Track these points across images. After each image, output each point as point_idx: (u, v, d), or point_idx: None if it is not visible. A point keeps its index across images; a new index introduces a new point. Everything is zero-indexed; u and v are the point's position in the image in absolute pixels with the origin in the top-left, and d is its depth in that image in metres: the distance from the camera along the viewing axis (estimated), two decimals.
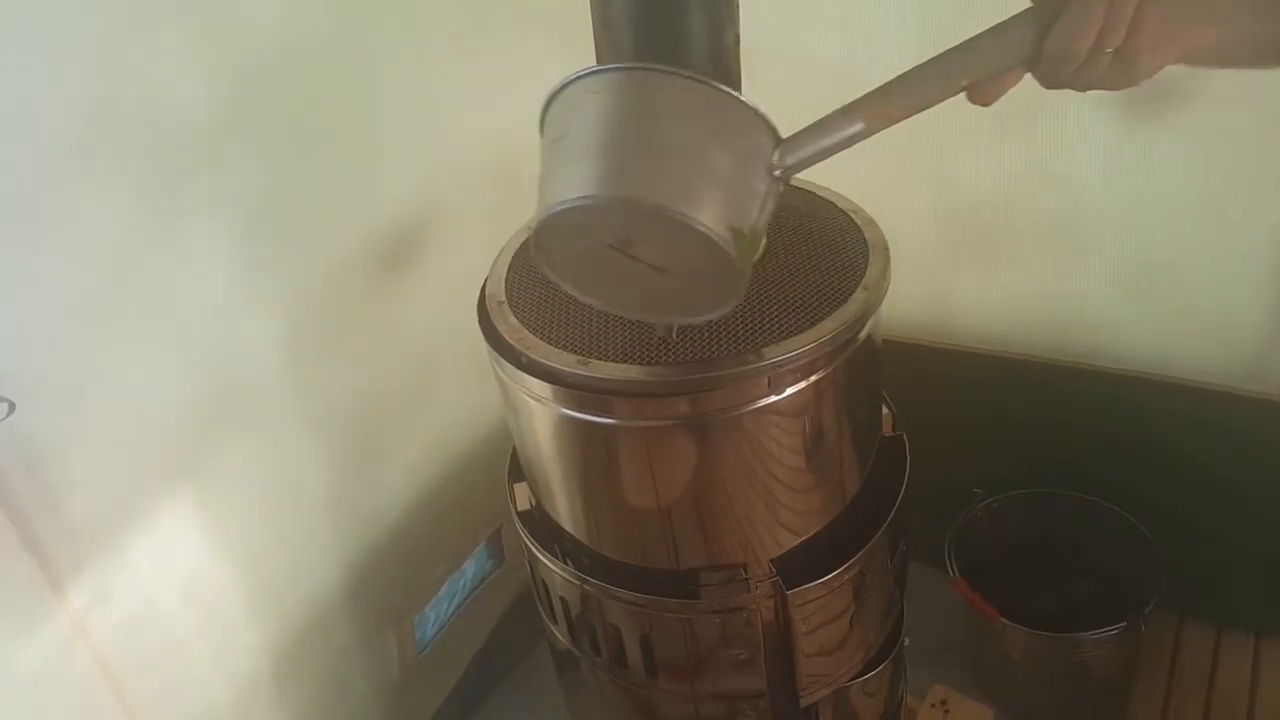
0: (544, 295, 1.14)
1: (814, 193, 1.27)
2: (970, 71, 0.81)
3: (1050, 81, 0.82)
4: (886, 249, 1.15)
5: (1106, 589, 1.91)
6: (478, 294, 1.18)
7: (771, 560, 1.17)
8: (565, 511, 1.20)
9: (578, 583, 1.20)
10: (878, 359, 1.20)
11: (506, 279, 1.18)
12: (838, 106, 0.85)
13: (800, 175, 1.28)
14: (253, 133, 1.31)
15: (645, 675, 1.24)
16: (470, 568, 1.96)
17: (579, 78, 0.85)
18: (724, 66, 1.02)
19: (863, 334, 1.09)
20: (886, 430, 1.35)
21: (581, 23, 1.02)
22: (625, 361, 1.02)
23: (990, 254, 1.81)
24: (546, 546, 1.25)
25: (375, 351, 1.60)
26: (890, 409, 1.36)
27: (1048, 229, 1.74)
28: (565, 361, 1.03)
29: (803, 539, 1.19)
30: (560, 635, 1.33)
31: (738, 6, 1.00)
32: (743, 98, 0.83)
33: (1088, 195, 1.68)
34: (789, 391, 1.04)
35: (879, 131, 0.84)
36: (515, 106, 1.74)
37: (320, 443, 1.54)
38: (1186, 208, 1.63)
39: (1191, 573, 1.85)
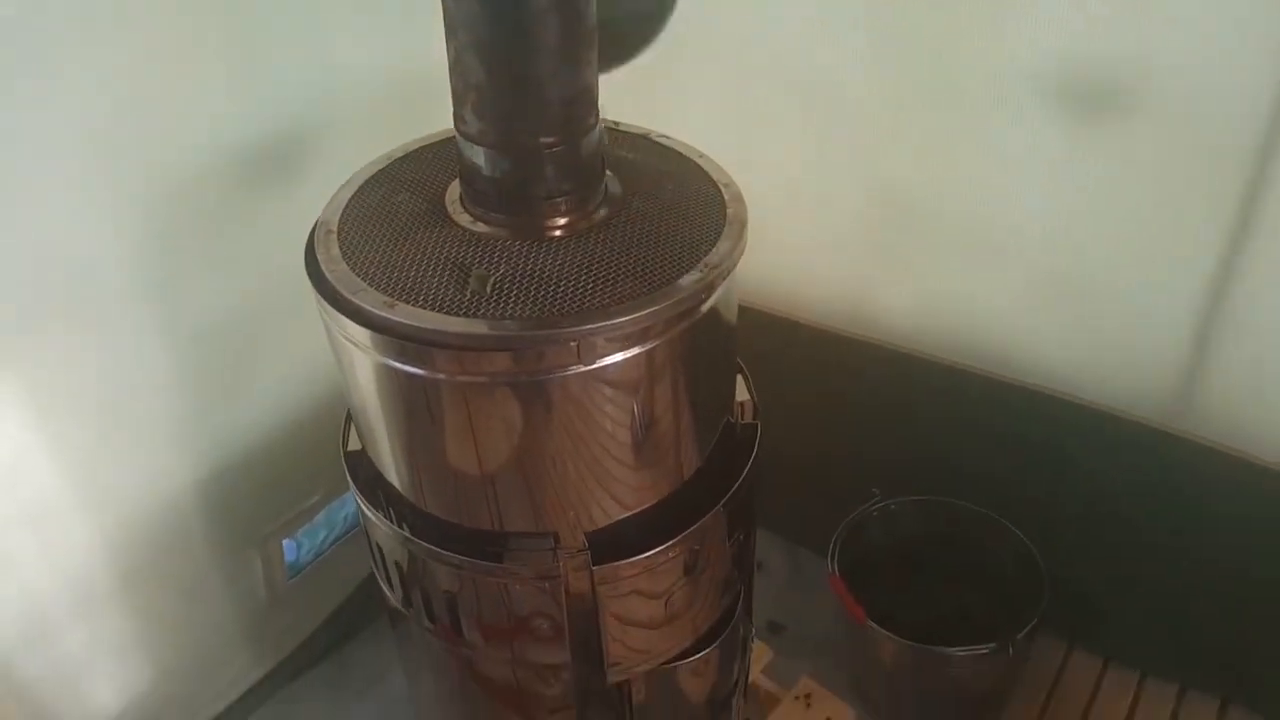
0: (378, 231, 1.09)
1: (692, 160, 1.20)
2: None
3: None
4: (744, 227, 1.09)
5: (994, 605, 1.86)
6: None
7: (591, 532, 1.13)
8: (376, 454, 1.17)
9: (388, 528, 1.17)
10: (724, 339, 1.15)
11: (345, 207, 1.13)
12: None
13: (698, 136, 1.23)
14: (119, 13, 1.25)
15: (453, 632, 1.21)
16: (352, 500, 1.93)
17: None
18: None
19: (702, 310, 1.04)
20: (747, 417, 1.30)
21: None
22: (433, 309, 0.97)
23: (913, 248, 1.75)
24: (369, 490, 1.21)
25: (247, 260, 1.55)
26: (752, 394, 1.31)
27: (973, 229, 1.67)
28: (371, 300, 0.98)
29: (627, 514, 1.15)
30: (380, 581, 1.30)
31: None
32: None
33: (1018, 201, 1.61)
34: (602, 363, 0.99)
35: None
36: (414, 36, 1.67)
37: (172, 347, 1.50)
38: (1116, 231, 1.55)
39: (1082, 600, 1.81)
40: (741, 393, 1.31)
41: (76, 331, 1.38)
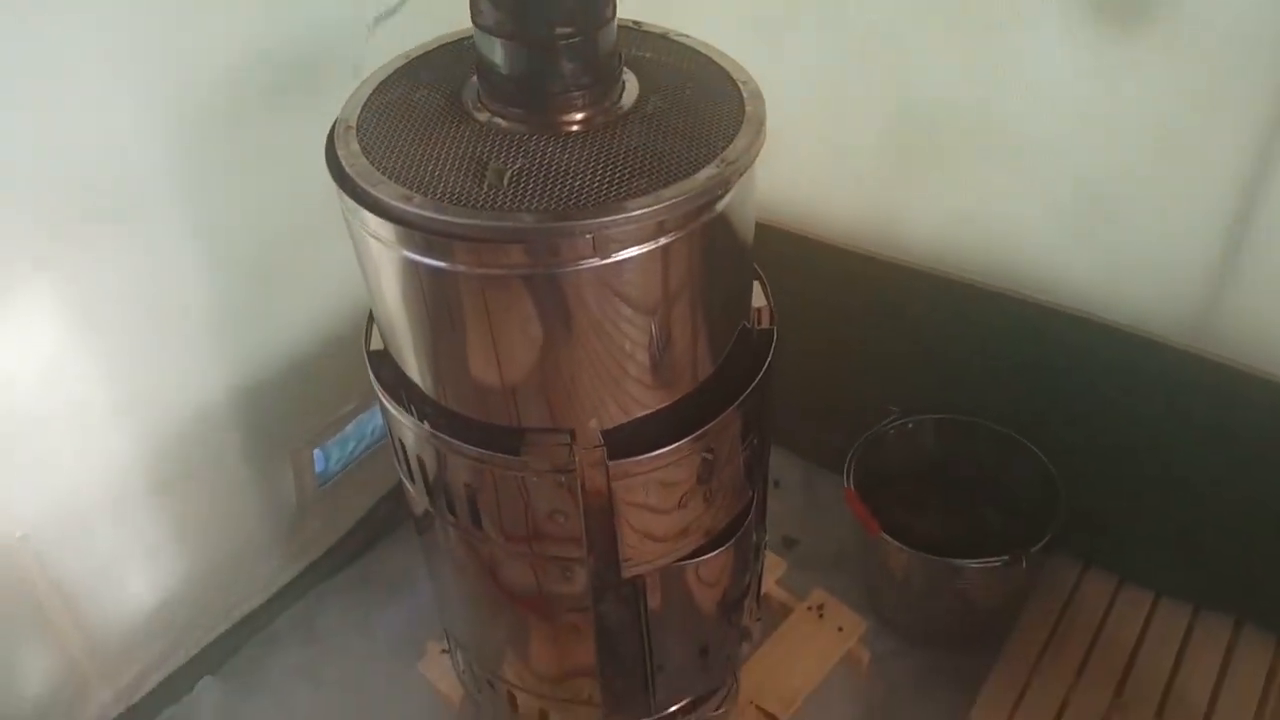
0: (396, 127, 1.10)
1: (711, 58, 1.19)
2: None
3: None
4: (762, 124, 1.09)
5: (1010, 523, 1.88)
6: None
7: (608, 430, 1.15)
8: (398, 352, 1.19)
9: (410, 423, 1.20)
10: (741, 240, 1.15)
11: (364, 104, 1.14)
12: None
13: (718, 44, 1.21)
14: None
15: (473, 526, 1.25)
16: (380, 413, 1.97)
17: None
18: None
19: (718, 207, 1.04)
20: (763, 322, 1.31)
21: None
22: (450, 202, 0.98)
23: (940, 165, 1.73)
24: (392, 389, 1.24)
25: (282, 170, 1.56)
26: (769, 301, 1.32)
27: (998, 146, 1.65)
28: (390, 193, 1.00)
29: (643, 414, 1.17)
30: (403, 478, 1.33)
31: None
32: None
33: (1044, 116, 1.58)
34: (618, 257, 1.00)
35: None
36: None
37: (205, 256, 1.53)
38: (1143, 148, 1.53)
39: (1098, 519, 1.82)
40: (758, 299, 1.32)
41: (114, 239, 1.41)
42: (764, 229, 1.62)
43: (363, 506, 2.08)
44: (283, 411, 1.79)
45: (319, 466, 1.94)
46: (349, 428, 1.96)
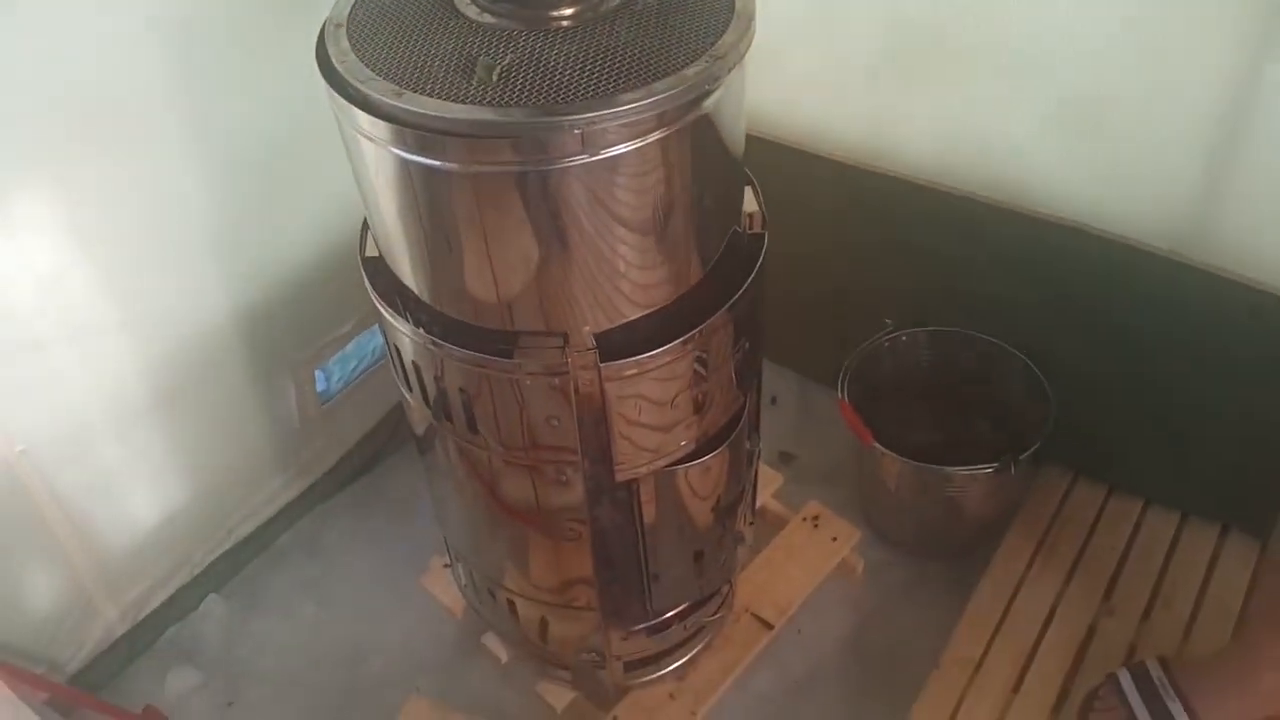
0: (386, 25, 1.09)
1: None
2: None
3: None
4: (751, 20, 1.08)
5: (1003, 433, 1.91)
6: None
7: (600, 334, 1.16)
8: (391, 257, 1.20)
9: (404, 328, 1.21)
10: (731, 141, 1.15)
11: (354, 3, 1.13)
12: None
13: None
14: None
15: (468, 431, 1.27)
16: (381, 332, 1.98)
17: None
18: None
19: (707, 105, 1.04)
20: (755, 227, 1.31)
21: None
22: (439, 98, 0.98)
23: (932, 77, 1.71)
24: (387, 296, 1.24)
25: (279, 84, 1.55)
26: (760, 206, 1.32)
27: (993, 53, 1.63)
28: (379, 89, 0.99)
29: (635, 317, 1.17)
30: (399, 385, 1.35)
31: None
32: None
33: (1039, 20, 1.56)
34: (607, 153, 1.00)
35: None
36: None
37: (204, 168, 1.52)
38: (1139, 51, 1.51)
39: (1089, 430, 1.84)
40: (750, 204, 1.32)
41: (112, 149, 1.41)
42: (756, 142, 1.61)
43: (365, 426, 2.10)
44: (284, 330, 1.80)
45: (320, 386, 1.96)
46: (349, 347, 1.98)
